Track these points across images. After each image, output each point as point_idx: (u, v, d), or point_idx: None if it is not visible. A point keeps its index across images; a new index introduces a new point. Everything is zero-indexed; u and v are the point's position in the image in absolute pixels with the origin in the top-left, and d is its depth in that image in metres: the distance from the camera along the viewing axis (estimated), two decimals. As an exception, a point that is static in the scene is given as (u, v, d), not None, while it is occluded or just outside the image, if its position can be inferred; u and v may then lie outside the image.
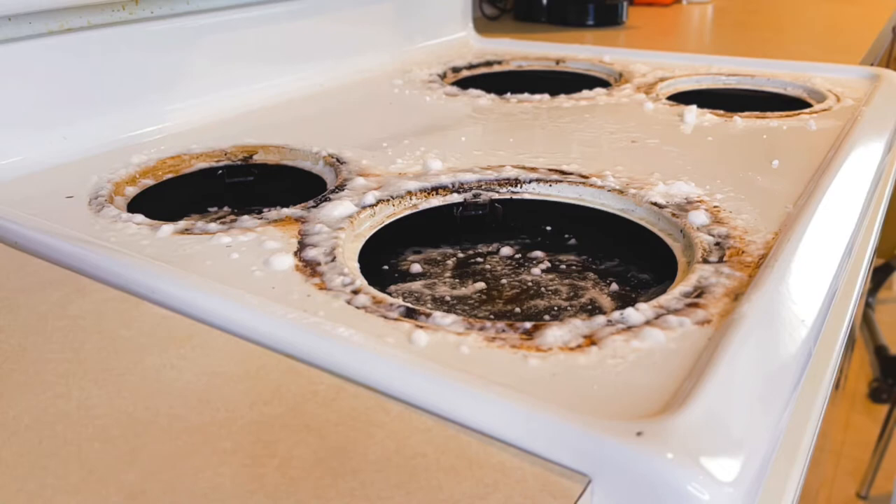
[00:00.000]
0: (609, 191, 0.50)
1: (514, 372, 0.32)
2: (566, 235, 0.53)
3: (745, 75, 0.84)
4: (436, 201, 0.51)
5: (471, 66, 0.92)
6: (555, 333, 0.34)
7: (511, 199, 0.52)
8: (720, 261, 0.41)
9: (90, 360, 0.33)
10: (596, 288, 0.47)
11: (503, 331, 0.35)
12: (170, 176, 0.58)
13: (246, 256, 0.42)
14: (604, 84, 0.86)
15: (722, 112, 0.69)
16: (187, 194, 0.58)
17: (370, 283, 0.40)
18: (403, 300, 0.43)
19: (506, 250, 0.52)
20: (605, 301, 0.46)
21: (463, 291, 0.47)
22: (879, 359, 1.64)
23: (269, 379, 0.31)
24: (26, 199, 0.51)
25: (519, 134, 0.64)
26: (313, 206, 0.49)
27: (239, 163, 0.60)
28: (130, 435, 0.28)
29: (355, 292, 0.38)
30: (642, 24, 1.32)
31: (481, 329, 0.35)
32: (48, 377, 0.32)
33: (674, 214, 0.47)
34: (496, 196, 0.52)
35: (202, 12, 0.68)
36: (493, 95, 0.76)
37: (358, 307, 0.37)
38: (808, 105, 0.75)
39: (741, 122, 0.66)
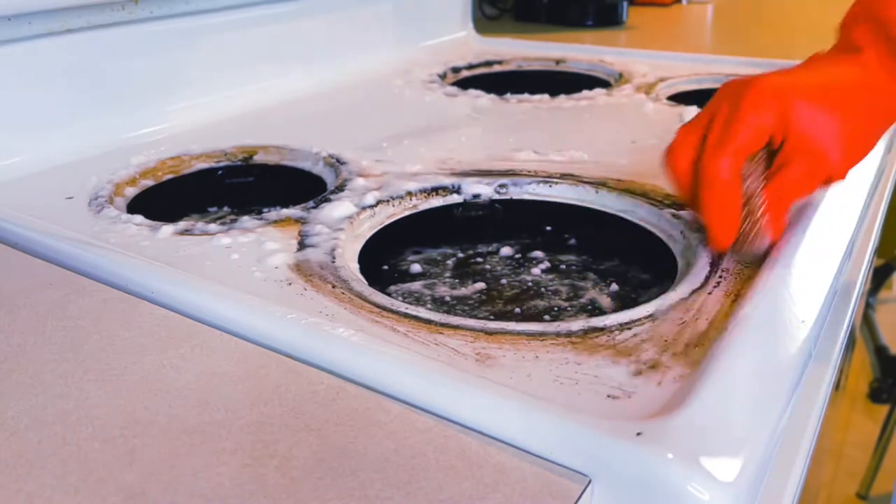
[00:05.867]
0: (609, 191, 0.50)
1: (515, 372, 0.32)
2: (566, 235, 0.53)
3: (746, 75, 0.84)
4: (436, 201, 0.51)
5: (471, 66, 0.92)
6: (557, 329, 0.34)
7: (511, 199, 0.52)
8: (720, 261, 0.41)
9: (90, 360, 0.33)
10: (596, 288, 0.47)
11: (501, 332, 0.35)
12: (170, 176, 0.58)
13: (246, 257, 0.42)
14: (604, 84, 0.86)
15: (722, 112, 0.68)
16: (187, 195, 0.58)
17: (370, 284, 0.40)
18: (403, 300, 0.43)
19: (506, 250, 0.52)
20: (605, 301, 0.46)
21: (463, 291, 0.47)
22: (879, 359, 1.64)
23: (269, 379, 0.31)
24: (26, 199, 0.51)
25: (519, 134, 0.64)
26: (313, 207, 0.49)
27: (239, 163, 0.60)
28: (130, 435, 0.28)
29: (355, 293, 0.38)
30: (642, 24, 1.32)
31: (481, 330, 0.35)
32: (48, 377, 0.32)
33: (674, 215, 0.47)
34: (496, 196, 0.52)
35: (202, 12, 0.68)
36: (493, 95, 0.76)
37: (358, 307, 0.37)
38: (808, 105, 0.74)
39: (741, 122, 0.66)
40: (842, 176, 0.40)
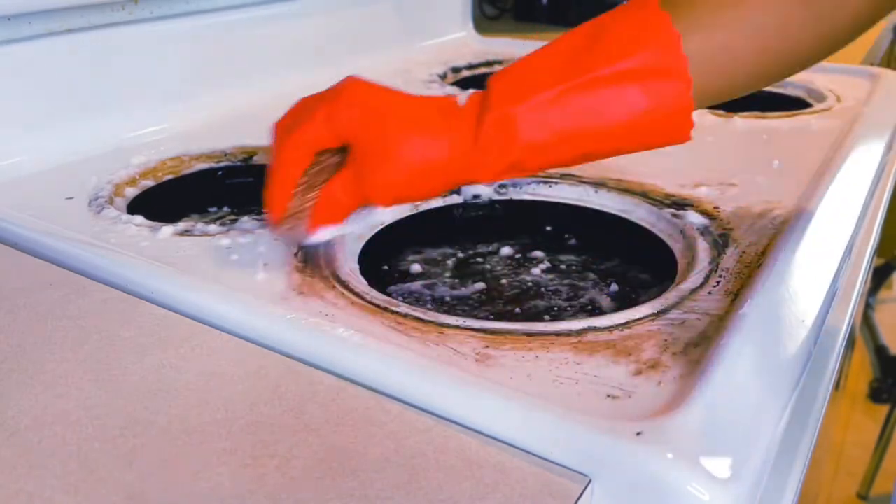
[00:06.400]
0: (609, 191, 0.50)
1: (515, 372, 0.32)
2: (566, 235, 0.53)
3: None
4: (436, 201, 0.51)
5: (471, 66, 0.92)
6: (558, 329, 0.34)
7: (511, 200, 0.52)
8: (720, 261, 0.41)
9: (90, 360, 0.33)
10: (596, 288, 0.47)
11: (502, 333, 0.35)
12: (170, 177, 0.58)
13: (245, 258, 0.42)
14: (604, 84, 0.86)
15: (722, 112, 0.69)
16: (187, 195, 0.58)
17: (370, 284, 0.40)
18: (403, 300, 0.43)
19: (506, 250, 0.52)
20: (605, 301, 0.46)
21: (463, 291, 0.47)
22: (879, 359, 1.64)
23: (268, 379, 0.31)
24: (26, 199, 0.51)
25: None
26: (313, 207, 0.49)
27: (239, 164, 0.60)
28: (130, 435, 0.28)
29: (355, 293, 0.38)
30: (642, 25, 1.31)
31: (480, 330, 0.35)
32: (48, 377, 0.32)
33: (674, 215, 0.47)
34: (496, 196, 0.52)
35: (202, 12, 0.68)
36: (492, 96, 0.76)
37: (357, 308, 0.37)
38: (808, 105, 0.75)
39: (741, 122, 0.66)
40: (379, 201, 0.39)
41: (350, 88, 0.39)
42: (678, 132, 0.38)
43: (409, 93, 0.40)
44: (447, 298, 0.46)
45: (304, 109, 0.39)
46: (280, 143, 0.39)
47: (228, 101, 0.70)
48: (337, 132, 0.38)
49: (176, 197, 0.57)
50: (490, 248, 0.52)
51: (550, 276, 0.49)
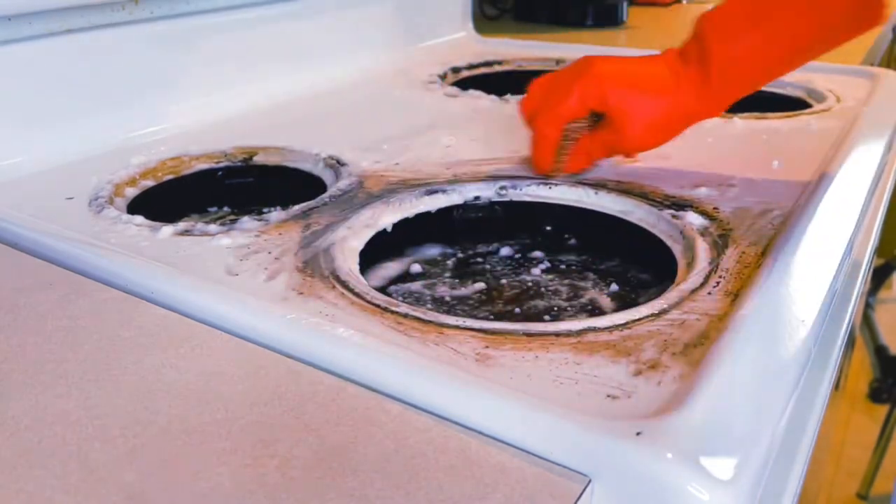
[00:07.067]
0: (608, 192, 0.50)
1: (515, 372, 0.32)
2: (566, 236, 0.53)
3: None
4: (436, 202, 0.51)
5: (471, 67, 0.92)
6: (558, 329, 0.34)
7: (511, 201, 0.52)
8: (720, 261, 0.41)
9: (90, 360, 0.33)
10: (596, 288, 0.47)
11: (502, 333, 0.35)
12: (170, 177, 0.58)
13: (245, 258, 0.42)
14: (604, 84, 0.86)
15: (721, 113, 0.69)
16: (187, 195, 0.58)
17: (370, 284, 0.40)
18: (403, 300, 0.43)
19: (506, 250, 0.52)
20: (605, 301, 0.46)
21: (463, 291, 0.47)
22: (879, 359, 1.64)
23: (268, 379, 0.31)
24: (26, 199, 0.51)
25: (519, 135, 0.64)
26: (313, 208, 0.49)
27: (239, 164, 0.60)
28: (130, 435, 0.28)
29: (355, 293, 0.38)
30: (642, 24, 1.32)
31: (481, 330, 0.35)
32: (48, 377, 0.32)
33: (673, 216, 0.47)
34: (496, 198, 0.52)
35: (202, 12, 0.68)
36: (493, 96, 0.76)
37: (357, 308, 0.37)
38: (808, 105, 0.75)
39: (741, 122, 0.66)
40: (632, 153, 0.52)
41: (591, 67, 0.49)
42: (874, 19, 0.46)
43: (636, 57, 0.51)
44: (447, 298, 0.46)
45: (552, 89, 0.51)
46: (537, 119, 0.51)
47: (228, 101, 0.70)
48: (586, 105, 0.49)
49: (176, 197, 0.57)
50: (490, 249, 0.52)
51: (550, 277, 0.49)
